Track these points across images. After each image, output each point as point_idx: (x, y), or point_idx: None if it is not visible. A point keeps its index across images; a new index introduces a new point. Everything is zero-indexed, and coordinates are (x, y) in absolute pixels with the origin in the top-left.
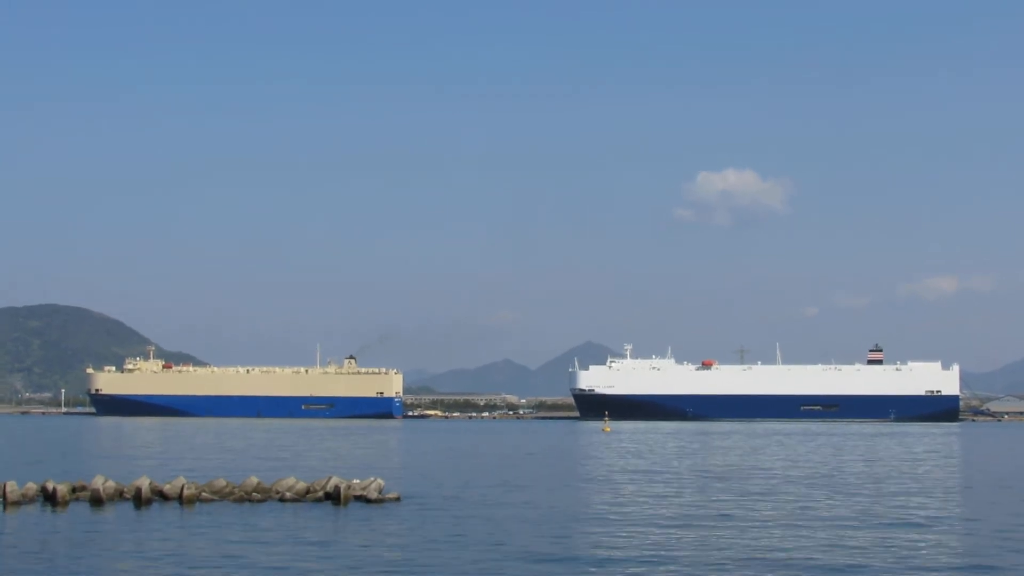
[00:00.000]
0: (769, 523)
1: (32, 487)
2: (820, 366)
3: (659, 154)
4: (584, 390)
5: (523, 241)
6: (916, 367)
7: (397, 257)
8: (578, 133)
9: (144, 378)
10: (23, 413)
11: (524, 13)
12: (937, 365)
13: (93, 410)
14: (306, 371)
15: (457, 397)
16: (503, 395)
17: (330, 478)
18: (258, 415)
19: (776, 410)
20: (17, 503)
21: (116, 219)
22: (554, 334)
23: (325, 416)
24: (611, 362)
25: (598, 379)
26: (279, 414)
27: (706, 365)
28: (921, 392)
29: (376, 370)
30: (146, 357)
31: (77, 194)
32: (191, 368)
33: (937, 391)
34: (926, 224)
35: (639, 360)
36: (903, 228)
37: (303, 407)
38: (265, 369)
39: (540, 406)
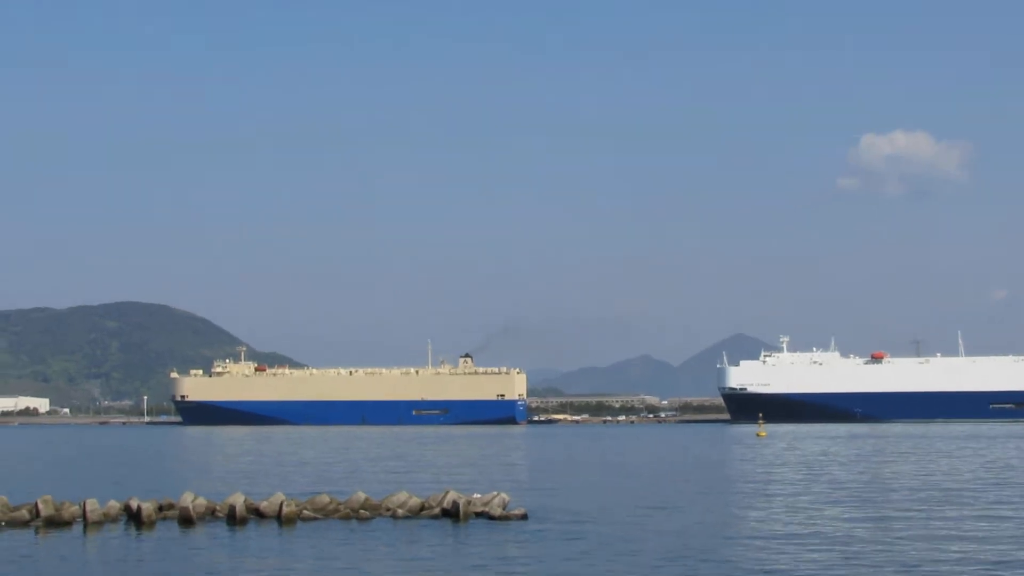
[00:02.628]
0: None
1: (114, 505)
2: (1011, 357)
3: (816, 115)
4: (735, 389)
5: (662, 219)
6: None
7: (518, 241)
8: (718, 95)
9: (235, 382)
10: (101, 423)
11: None
12: None
13: (179, 419)
14: (416, 372)
15: (589, 399)
16: (641, 396)
17: (447, 492)
18: (363, 422)
19: (960, 409)
20: (98, 523)
21: (200, 207)
22: (699, 325)
23: (439, 422)
24: (765, 356)
25: (751, 376)
26: (387, 421)
27: (876, 358)
28: None
29: (496, 369)
30: (237, 359)
31: (155, 179)
32: (287, 370)
33: None
34: None
35: (798, 354)
36: None
37: (414, 412)
38: (370, 370)
39: (684, 408)
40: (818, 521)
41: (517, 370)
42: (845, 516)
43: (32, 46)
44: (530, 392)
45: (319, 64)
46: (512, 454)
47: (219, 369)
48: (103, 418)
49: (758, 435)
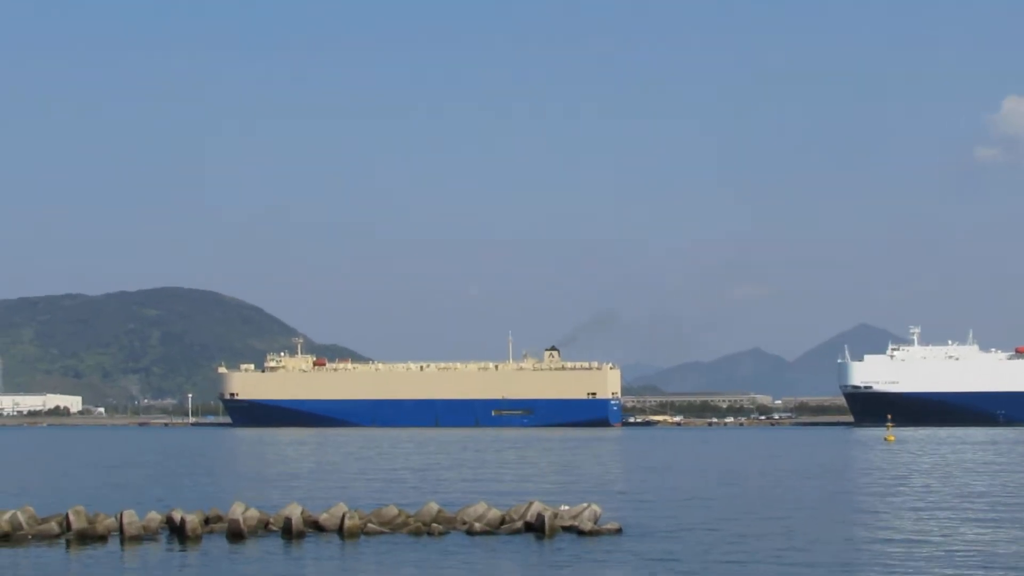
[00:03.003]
0: None
1: (155, 518)
2: None
3: (951, 77)
4: (858, 387)
5: (774, 197)
6: None
7: (612, 221)
8: (835, 58)
9: (291, 379)
10: (140, 425)
11: None
12: None
13: (227, 420)
14: (496, 367)
15: (692, 398)
16: (751, 395)
17: (531, 504)
18: (435, 424)
19: None
20: (137, 538)
21: (251, 182)
22: (818, 315)
23: (522, 424)
24: (893, 350)
25: (877, 372)
26: (462, 422)
27: (1021, 353)
28: None
29: (587, 364)
30: (293, 352)
31: (201, 152)
32: (349, 365)
33: None
34: None
35: (930, 347)
36: None
37: (493, 413)
38: (444, 365)
39: (800, 408)
40: (955, 539)
41: (610, 365)
42: (986, 535)
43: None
44: (625, 390)
45: (398, 51)
46: (605, 460)
47: (273, 363)
48: (142, 419)
49: (886, 439)
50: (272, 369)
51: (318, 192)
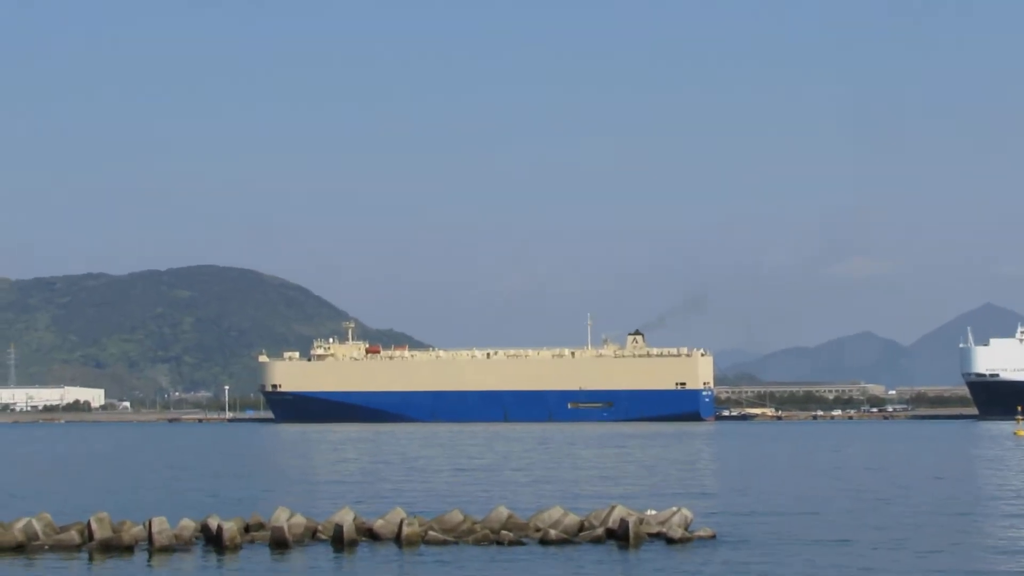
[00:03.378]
0: None
1: (189, 525)
2: None
3: None
4: (983, 375)
5: (887, 157)
6: None
7: (702, 188)
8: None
9: (341, 368)
10: (171, 421)
11: None
12: None
13: (269, 415)
14: (572, 354)
15: (793, 388)
16: (862, 384)
17: (613, 508)
18: (504, 419)
19: None
20: (168, 548)
21: (296, 146)
22: (938, 293)
23: (601, 418)
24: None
25: (1004, 358)
26: (534, 417)
27: None
28: None
29: (675, 351)
30: (343, 338)
31: (235, 114)
32: (407, 353)
33: None
34: None
35: None
36: None
37: (568, 406)
38: (513, 352)
39: (917, 399)
40: None
41: (702, 351)
42: None
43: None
44: (718, 380)
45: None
46: (696, 459)
47: (321, 351)
48: (173, 414)
49: (1016, 434)
50: (319, 357)
51: (370, 161)
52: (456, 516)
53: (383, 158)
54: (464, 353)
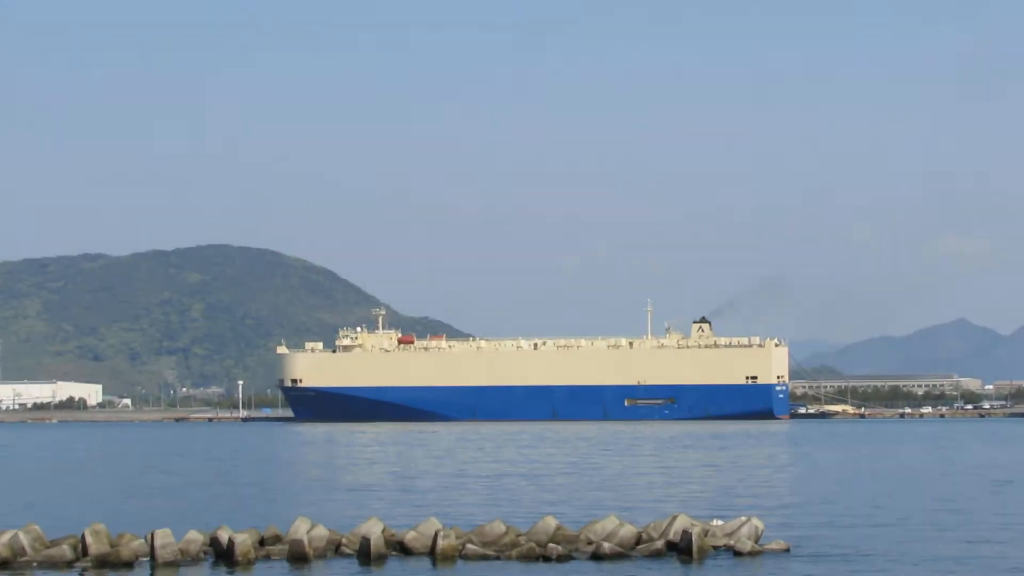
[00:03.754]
0: None
1: (197, 538)
2: None
3: None
4: None
5: (989, 122)
6: None
7: (780, 164)
8: None
9: (370, 360)
10: (178, 420)
11: None
12: None
13: (288, 413)
14: (630, 344)
15: (879, 383)
16: (955, 378)
17: (674, 518)
18: (553, 417)
19: None
20: (173, 564)
21: (318, 117)
22: None
23: (663, 417)
24: None
25: None
26: (586, 415)
27: None
28: None
29: (746, 340)
30: (373, 327)
31: (251, 79)
32: (443, 343)
33: None
34: None
35: None
36: None
37: (626, 403)
38: (564, 343)
39: (1018, 395)
40: None
41: (776, 341)
42: None
43: None
44: (794, 373)
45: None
46: (768, 462)
47: (347, 341)
48: (180, 412)
49: None
50: (346, 348)
51: (404, 131)
52: (498, 527)
53: (420, 126)
54: (508, 343)
